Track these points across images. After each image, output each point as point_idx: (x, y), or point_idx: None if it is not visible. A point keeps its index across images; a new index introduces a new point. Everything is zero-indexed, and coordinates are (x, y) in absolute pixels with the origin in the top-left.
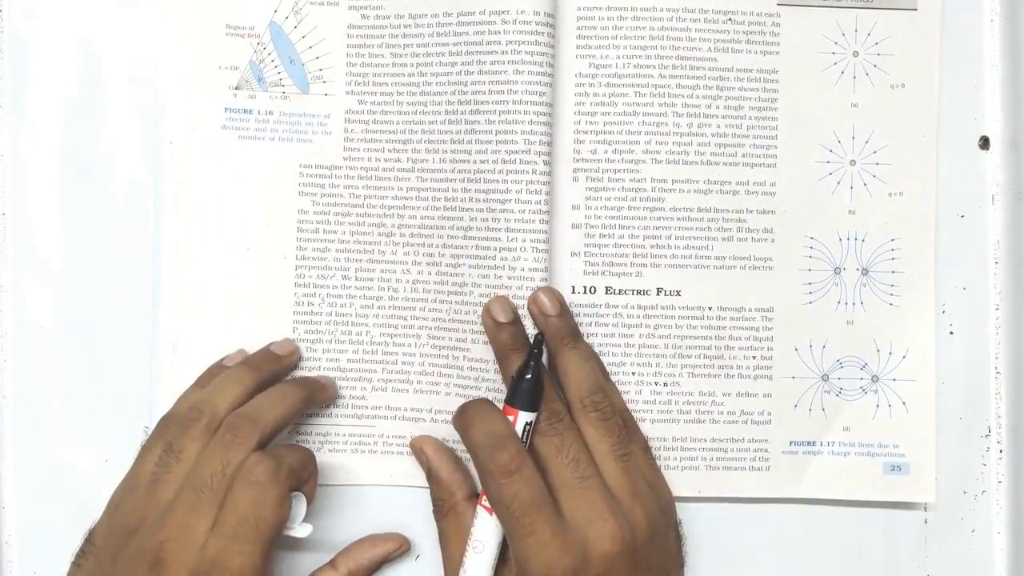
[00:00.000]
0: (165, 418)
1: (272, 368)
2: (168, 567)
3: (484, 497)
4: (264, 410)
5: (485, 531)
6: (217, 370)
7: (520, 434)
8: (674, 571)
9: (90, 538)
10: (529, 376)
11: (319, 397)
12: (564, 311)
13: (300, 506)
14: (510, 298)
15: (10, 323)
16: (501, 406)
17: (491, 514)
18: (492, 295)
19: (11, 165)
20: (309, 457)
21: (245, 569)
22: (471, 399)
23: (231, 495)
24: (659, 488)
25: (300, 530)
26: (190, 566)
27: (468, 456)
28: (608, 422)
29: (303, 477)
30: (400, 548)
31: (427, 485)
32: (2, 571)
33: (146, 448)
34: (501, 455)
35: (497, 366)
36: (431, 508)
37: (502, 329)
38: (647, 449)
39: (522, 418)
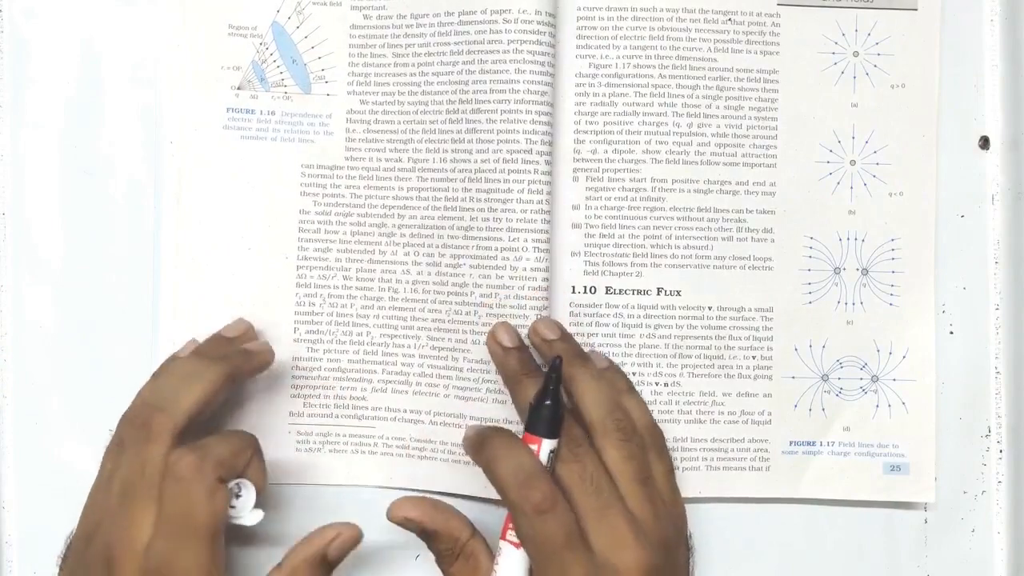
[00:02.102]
0: (122, 416)
1: (223, 350)
2: (119, 570)
3: (507, 532)
4: (174, 394)
5: (512, 567)
6: (170, 363)
7: (544, 462)
8: None
9: (68, 541)
10: (549, 402)
11: (246, 367)
12: (565, 335)
13: (247, 493)
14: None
15: (10, 323)
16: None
17: (517, 548)
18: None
19: (11, 165)
20: (243, 443)
21: (191, 569)
22: (486, 427)
23: (162, 494)
24: (675, 505)
25: (249, 518)
26: (138, 569)
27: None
28: (629, 444)
29: (237, 464)
30: (340, 536)
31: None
32: (2, 571)
33: (108, 448)
34: (534, 493)
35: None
36: (434, 559)
37: (510, 355)
38: (671, 472)
39: (545, 446)
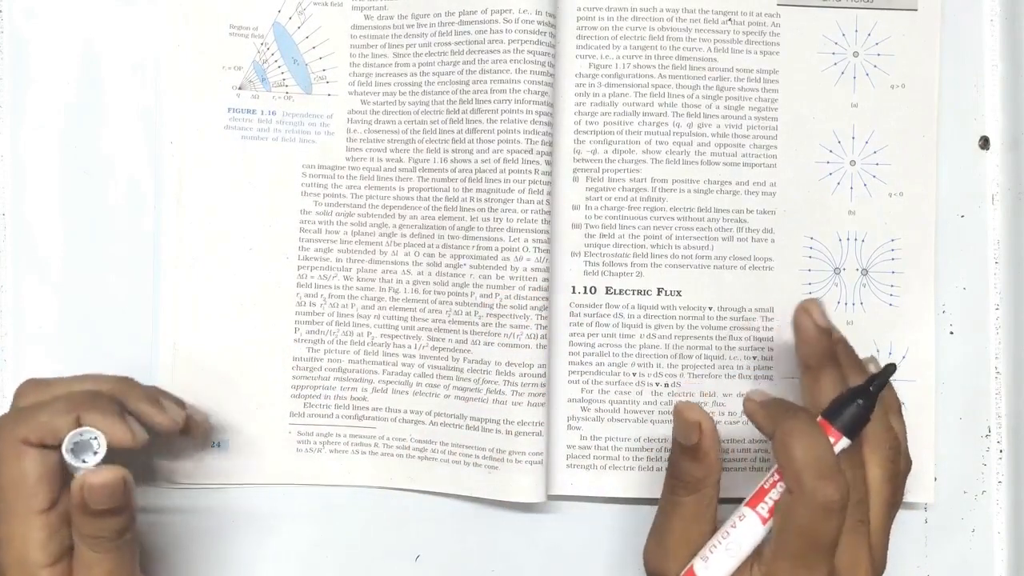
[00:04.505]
0: None
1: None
2: None
3: (760, 503)
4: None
5: (748, 536)
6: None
7: None
8: None
9: None
10: (862, 402)
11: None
12: (893, 370)
13: (99, 441)
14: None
15: (10, 323)
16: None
17: (764, 523)
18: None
19: (11, 165)
20: (67, 404)
21: (12, 536)
22: (781, 399)
23: None
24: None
25: (96, 468)
26: None
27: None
28: (894, 468)
29: (56, 426)
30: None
31: (670, 456)
32: None
33: None
34: (832, 491)
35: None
36: (668, 477)
37: (823, 335)
38: (897, 507)
39: (840, 445)
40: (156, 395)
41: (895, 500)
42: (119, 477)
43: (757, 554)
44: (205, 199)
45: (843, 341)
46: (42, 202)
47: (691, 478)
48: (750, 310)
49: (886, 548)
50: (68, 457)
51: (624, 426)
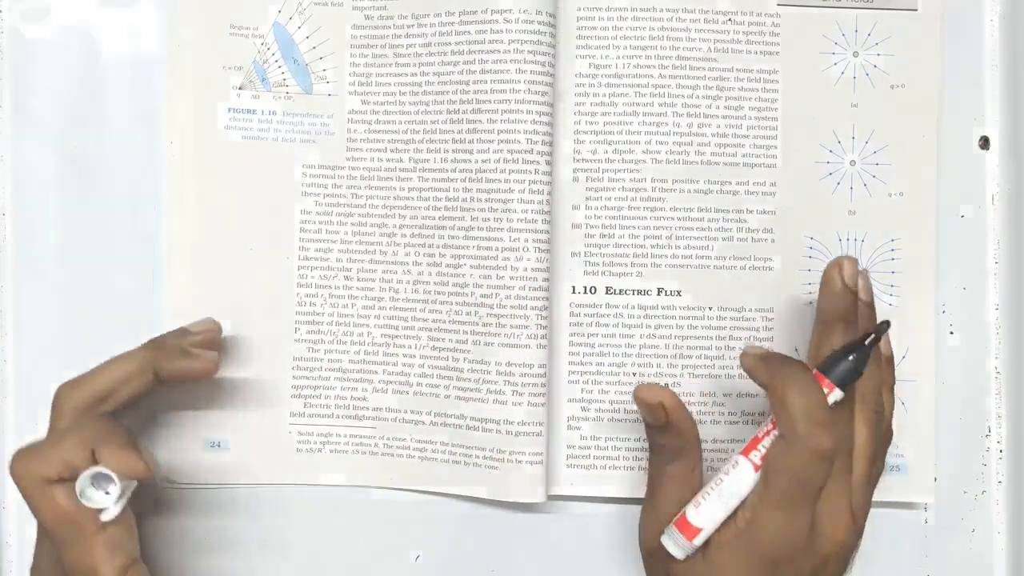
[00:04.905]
0: None
1: (172, 342)
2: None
3: (752, 451)
4: (91, 372)
5: (741, 484)
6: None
7: None
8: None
9: None
10: (853, 357)
11: (177, 366)
12: (872, 303)
13: (113, 487)
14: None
15: (10, 323)
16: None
17: (756, 471)
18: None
19: (11, 165)
20: (77, 438)
21: (77, 563)
22: (777, 353)
23: None
24: (870, 502)
25: (110, 512)
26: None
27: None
28: (878, 428)
29: (73, 462)
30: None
31: (647, 434)
32: (2, 571)
33: None
34: (825, 439)
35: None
36: (651, 451)
37: (846, 293)
38: (881, 472)
39: (833, 396)
40: (184, 343)
41: (876, 461)
42: None
43: (742, 502)
44: (205, 199)
45: (870, 307)
46: (42, 202)
47: (670, 449)
48: (750, 310)
49: (866, 510)
50: (83, 500)
51: (624, 426)
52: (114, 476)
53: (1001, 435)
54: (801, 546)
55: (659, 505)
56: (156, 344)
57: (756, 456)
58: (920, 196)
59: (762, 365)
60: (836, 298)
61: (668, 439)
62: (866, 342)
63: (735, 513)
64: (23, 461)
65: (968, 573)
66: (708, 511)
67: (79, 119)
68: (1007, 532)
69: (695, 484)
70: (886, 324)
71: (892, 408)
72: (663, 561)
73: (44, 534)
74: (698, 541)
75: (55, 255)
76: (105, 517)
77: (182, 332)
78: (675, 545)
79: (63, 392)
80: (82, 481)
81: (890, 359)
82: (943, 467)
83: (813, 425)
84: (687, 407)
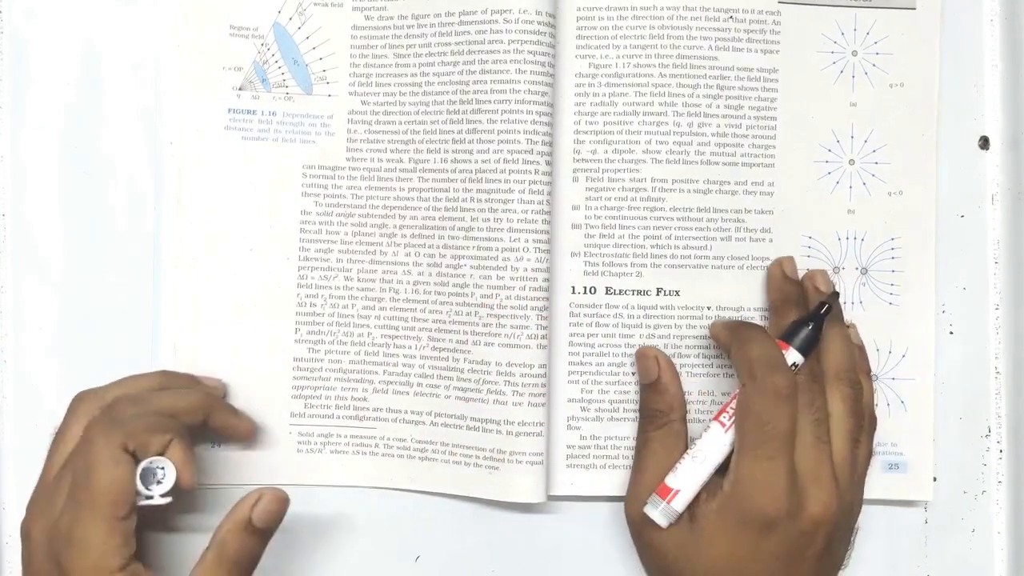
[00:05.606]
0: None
1: (183, 381)
2: (31, 541)
3: (722, 414)
4: (148, 393)
5: (713, 445)
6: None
7: None
8: (838, 567)
9: None
10: (811, 325)
11: (225, 419)
12: (836, 295)
13: (169, 476)
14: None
15: (10, 323)
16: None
17: (725, 431)
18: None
19: (11, 165)
20: (161, 424)
21: (89, 539)
22: (742, 320)
23: (74, 459)
24: (861, 488)
25: (159, 499)
26: (46, 538)
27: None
28: (856, 404)
29: (150, 441)
30: (262, 499)
31: (639, 398)
32: (2, 571)
33: None
34: (780, 379)
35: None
36: (639, 418)
37: (789, 283)
38: (869, 460)
39: (791, 355)
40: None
41: (857, 437)
42: (285, 501)
43: (724, 469)
44: (205, 199)
45: (832, 296)
46: (42, 202)
47: (657, 411)
48: (749, 310)
49: (852, 487)
50: (138, 481)
51: (624, 426)
52: (167, 473)
53: (1001, 435)
54: (785, 506)
55: (642, 475)
56: (207, 391)
57: (725, 418)
58: (920, 195)
59: (726, 331)
60: (781, 286)
61: (656, 399)
62: (820, 312)
63: (720, 482)
64: (105, 420)
65: (968, 573)
66: (683, 472)
67: (79, 119)
68: (1007, 532)
69: (678, 457)
70: (835, 294)
71: (872, 393)
72: (649, 533)
73: (52, 494)
74: (677, 504)
75: (55, 255)
76: (159, 502)
77: (192, 378)
78: (657, 512)
79: (117, 404)
80: (144, 464)
81: (862, 347)
82: (943, 467)
83: (769, 369)
84: (686, 408)
